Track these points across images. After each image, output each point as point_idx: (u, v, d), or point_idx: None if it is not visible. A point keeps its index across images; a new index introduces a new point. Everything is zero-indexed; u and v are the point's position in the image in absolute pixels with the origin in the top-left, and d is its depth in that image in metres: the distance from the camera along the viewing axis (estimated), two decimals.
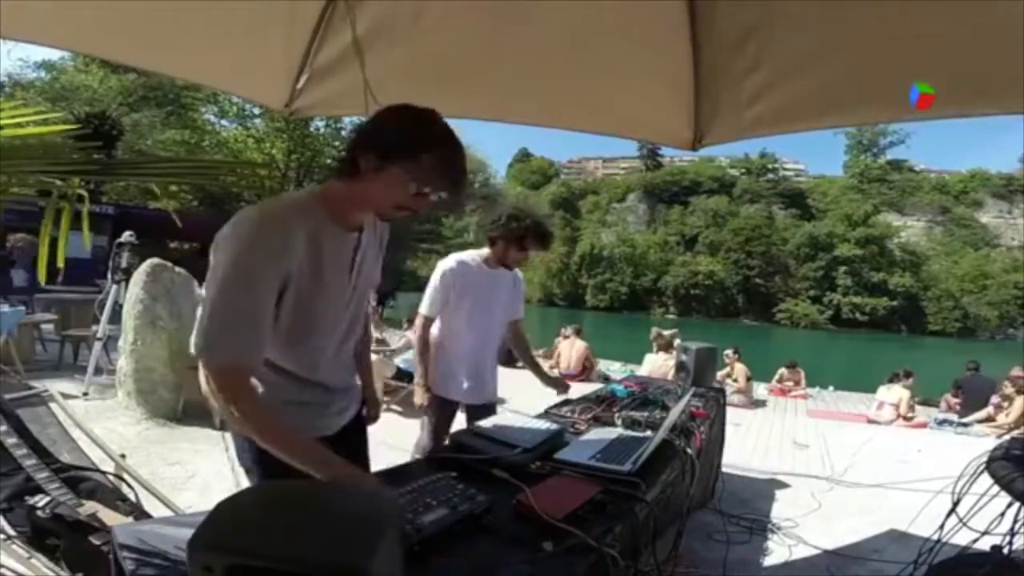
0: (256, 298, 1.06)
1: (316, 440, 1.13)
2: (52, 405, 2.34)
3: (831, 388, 8.77)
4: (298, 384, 1.27)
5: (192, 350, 1.08)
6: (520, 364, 3.20)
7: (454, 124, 1.13)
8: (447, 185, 1.11)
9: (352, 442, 1.51)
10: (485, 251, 2.31)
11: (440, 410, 2.30)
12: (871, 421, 6.48)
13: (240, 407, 1.04)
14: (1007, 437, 3.16)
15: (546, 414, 2.18)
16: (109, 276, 5.03)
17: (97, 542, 1.56)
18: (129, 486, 2.08)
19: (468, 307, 2.24)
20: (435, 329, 2.32)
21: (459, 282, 2.24)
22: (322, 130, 20.28)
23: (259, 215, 1.10)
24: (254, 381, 1.14)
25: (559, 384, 2.47)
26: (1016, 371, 6.56)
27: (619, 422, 1.96)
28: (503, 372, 2.42)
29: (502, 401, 2.49)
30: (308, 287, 1.14)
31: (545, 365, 8.36)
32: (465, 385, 2.31)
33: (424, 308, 2.25)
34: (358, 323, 1.41)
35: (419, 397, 2.25)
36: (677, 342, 7.20)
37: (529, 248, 2.25)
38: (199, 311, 1.07)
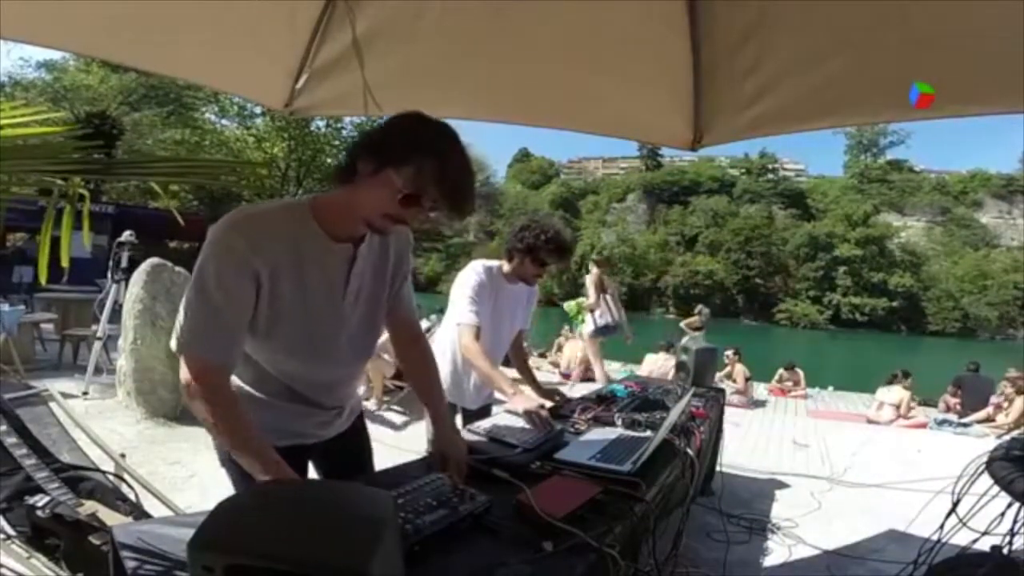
0: (225, 300, 1.05)
1: (275, 458, 1.07)
2: (52, 405, 2.35)
3: (831, 388, 8.76)
4: (276, 391, 1.25)
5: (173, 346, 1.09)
6: None
7: (454, 124, 1.13)
8: (439, 193, 1.04)
9: (350, 446, 1.49)
10: (505, 264, 2.27)
11: None
12: (871, 421, 6.47)
13: (209, 405, 1.05)
14: (1007, 437, 3.16)
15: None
16: (109, 276, 5.04)
17: (97, 542, 1.56)
18: (129, 486, 2.08)
19: (483, 318, 2.19)
20: (444, 336, 2.30)
21: (485, 292, 2.21)
22: (322, 129, 20.28)
23: (230, 219, 1.08)
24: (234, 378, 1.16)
25: (552, 395, 2.44)
26: (1012, 371, 6.56)
27: (619, 422, 1.96)
28: (504, 372, 2.42)
29: (500, 402, 2.49)
30: (286, 295, 1.11)
31: (546, 365, 8.40)
32: (470, 391, 2.33)
33: (471, 319, 2.14)
34: (363, 352, 1.34)
35: (523, 402, 1.91)
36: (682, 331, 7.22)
37: (546, 261, 2.17)
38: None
